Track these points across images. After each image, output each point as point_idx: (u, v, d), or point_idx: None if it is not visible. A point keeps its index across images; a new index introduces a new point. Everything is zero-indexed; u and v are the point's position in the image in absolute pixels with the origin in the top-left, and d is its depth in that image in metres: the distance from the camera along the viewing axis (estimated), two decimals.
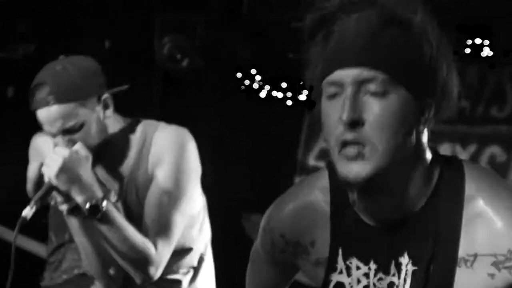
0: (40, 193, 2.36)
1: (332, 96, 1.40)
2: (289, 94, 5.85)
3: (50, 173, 2.33)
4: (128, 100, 5.63)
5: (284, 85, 5.86)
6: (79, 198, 2.36)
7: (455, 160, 1.52)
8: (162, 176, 2.51)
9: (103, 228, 2.40)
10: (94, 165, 2.49)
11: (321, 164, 5.58)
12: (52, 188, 2.36)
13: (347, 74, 1.37)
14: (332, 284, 1.54)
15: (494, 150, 4.72)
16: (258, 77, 5.94)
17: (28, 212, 2.27)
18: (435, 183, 1.46)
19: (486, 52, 4.69)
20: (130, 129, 2.68)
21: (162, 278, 2.56)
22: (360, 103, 1.37)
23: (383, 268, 1.49)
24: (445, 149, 4.94)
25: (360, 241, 1.51)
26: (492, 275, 1.40)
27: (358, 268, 1.51)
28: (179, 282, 2.69)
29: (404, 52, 1.37)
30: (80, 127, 2.43)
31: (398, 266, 1.47)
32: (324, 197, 1.57)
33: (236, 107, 6.13)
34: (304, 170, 5.69)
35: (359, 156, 1.37)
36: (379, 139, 1.37)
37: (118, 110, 5.42)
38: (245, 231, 4.27)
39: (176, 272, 2.67)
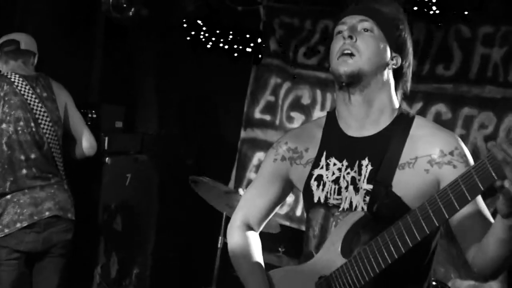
0: None
1: (339, 33, 2.24)
2: (235, 46, 5.80)
3: None
4: (71, 48, 5.56)
5: (231, 37, 5.81)
6: None
7: (410, 113, 2.29)
8: None
9: None
10: None
11: (267, 117, 5.59)
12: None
13: (352, 17, 2.24)
14: (314, 176, 2.28)
15: (440, 108, 4.77)
16: (204, 28, 5.88)
17: None
18: (395, 117, 2.24)
19: (433, 9, 4.70)
20: None
21: None
22: (355, 30, 2.21)
23: (351, 166, 2.23)
24: None
25: (340, 147, 2.26)
26: (427, 170, 2.14)
27: (334, 164, 2.26)
28: None
29: (389, 16, 2.24)
30: None
31: (360, 166, 2.20)
32: (319, 126, 2.38)
33: (181, 58, 6.08)
34: (250, 123, 5.67)
35: (350, 57, 2.16)
36: (364, 51, 2.18)
37: (60, 56, 5.36)
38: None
39: None
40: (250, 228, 2.53)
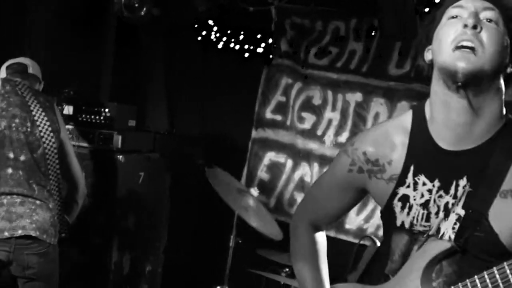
0: None
1: (454, 17, 1.81)
2: (246, 47, 5.85)
3: None
4: (84, 47, 5.60)
5: (241, 37, 5.86)
6: None
7: None
8: None
9: None
10: None
11: (278, 117, 5.63)
12: None
13: (472, 1, 1.82)
14: (398, 196, 1.92)
15: None
16: (215, 28, 5.92)
17: None
18: (501, 127, 1.83)
19: None
20: None
21: None
22: (479, 19, 1.78)
23: (445, 187, 1.85)
24: None
25: (430, 161, 1.87)
26: None
27: (424, 184, 1.88)
28: None
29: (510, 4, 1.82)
30: None
31: (456, 188, 1.82)
32: (404, 130, 1.95)
33: (193, 58, 6.12)
34: (261, 123, 5.70)
35: (472, 51, 1.73)
36: (489, 47, 1.74)
37: (73, 57, 5.39)
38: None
39: None
40: (317, 229, 2.30)
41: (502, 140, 1.82)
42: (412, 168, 1.91)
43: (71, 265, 4.69)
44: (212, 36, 5.93)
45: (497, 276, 1.68)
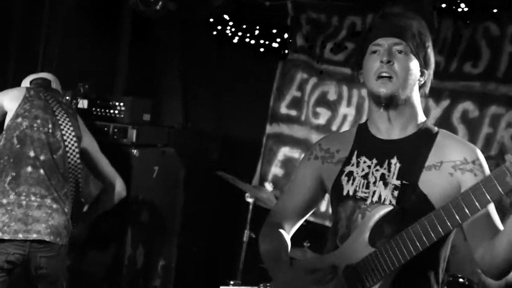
0: None
1: (374, 52, 2.37)
2: (261, 41, 5.84)
3: None
4: (99, 41, 5.61)
5: (257, 32, 5.85)
6: None
7: (436, 127, 2.46)
8: None
9: None
10: None
11: (293, 112, 5.62)
12: None
13: (386, 40, 2.37)
14: (345, 172, 2.45)
15: (467, 106, 4.77)
16: (231, 23, 5.92)
17: None
18: (420, 127, 2.40)
19: (462, 7, 4.71)
20: None
21: None
22: (392, 54, 2.34)
23: (380, 163, 2.39)
24: None
25: (369, 147, 2.44)
26: (451, 174, 2.30)
27: (364, 162, 2.42)
28: None
29: (418, 35, 2.39)
30: None
31: (389, 164, 2.37)
32: (351, 133, 2.54)
33: (208, 52, 6.11)
34: (276, 118, 5.69)
35: (389, 80, 2.31)
36: (401, 74, 2.32)
37: (88, 51, 5.41)
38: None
39: None
40: (282, 228, 2.63)
41: (423, 135, 2.39)
42: (356, 152, 2.47)
43: (85, 260, 4.71)
44: (228, 31, 5.92)
45: (418, 226, 2.13)
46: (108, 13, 5.91)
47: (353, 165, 2.44)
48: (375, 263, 2.24)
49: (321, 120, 5.44)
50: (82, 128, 4.16)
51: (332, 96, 5.43)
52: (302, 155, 2.81)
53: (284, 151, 5.63)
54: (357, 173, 2.42)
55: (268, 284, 4.19)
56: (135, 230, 4.88)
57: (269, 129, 5.73)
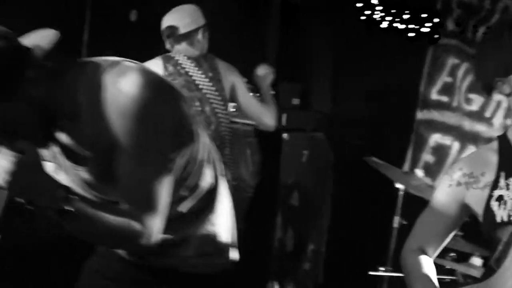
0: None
1: None
2: (411, 26, 5.74)
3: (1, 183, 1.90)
4: (248, 27, 5.68)
5: (406, 16, 5.75)
6: (41, 204, 1.93)
7: None
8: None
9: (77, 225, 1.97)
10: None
11: (444, 98, 5.49)
12: (11, 202, 1.93)
13: None
14: (494, 197, 2.24)
15: None
16: (379, 8, 5.85)
17: None
18: None
19: None
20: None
21: None
22: None
23: None
24: None
25: None
26: None
27: None
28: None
29: None
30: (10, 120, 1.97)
31: None
32: (493, 150, 2.32)
33: (356, 38, 6.07)
34: (426, 104, 5.58)
35: None
36: None
37: (237, 35, 5.48)
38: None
39: None
40: (424, 253, 2.49)
41: None
42: (503, 174, 2.27)
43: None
44: (376, 16, 5.85)
45: None
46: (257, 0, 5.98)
47: (502, 188, 2.26)
48: None
49: (474, 107, 5.29)
50: (225, 79, 4.23)
51: None
52: (442, 180, 2.48)
53: (436, 138, 5.50)
54: (508, 196, 2.24)
55: None
56: (284, 214, 4.93)
57: (420, 115, 5.61)
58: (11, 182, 1.85)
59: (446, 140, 5.45)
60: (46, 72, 1.96)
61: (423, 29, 5.68)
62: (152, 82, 2.01)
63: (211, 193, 2.31)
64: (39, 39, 1.99)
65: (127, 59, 2.09)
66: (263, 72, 4.38)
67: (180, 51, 4.19)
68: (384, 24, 5.83)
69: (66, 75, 2.02)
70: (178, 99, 2.10)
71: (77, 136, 2.07)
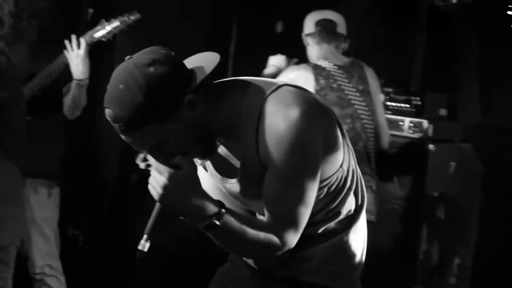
0: (151, 223, 2.03)
1: None
2: None
3: (155, 196, 2.00)
4: (395, 35, 5.62)
5: None
6: (193, 219, 2.02)
7: None
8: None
9: (222, 238, 2.07)
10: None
11: None
12: (162, 213, 2.03)
13: None
14: None
15: None
16: None
17: (143, 244, 2.01)
18: None
19: None
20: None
21: None
22: None
23: None
24: None
25: None
26: None
27: None
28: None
29: None
30: (169, 139, 2.03)
31: None
32: None
33: (506, 46, 5.85)
34: None
35: None
36: None
37: (383, 44, 5.43)
38: None
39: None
40: None
41: None
42: None
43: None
44: None
45: None
46: (404, 7, 5.90)
47: None
48: None
49: None
50: (371, 88, 4.16)
51: None
52: None
53: None
54: None
55: None
56: (430, 226, 4.82)
57: None
58: (166, 197, 1.96)
59: None
60: (204, 92, 2.05)
61: None
62: (310, 111, 2.05)
63: (350, 218, 2.33)
64: (203, 62, 2.07)
65: (287, 83, 2.14)
66: None
67: (327, 55, 4.11)
68: None
69: (225, 95, 2.12)
70: (333, 125, 2.15)
71: (231, 150, 2.19)
